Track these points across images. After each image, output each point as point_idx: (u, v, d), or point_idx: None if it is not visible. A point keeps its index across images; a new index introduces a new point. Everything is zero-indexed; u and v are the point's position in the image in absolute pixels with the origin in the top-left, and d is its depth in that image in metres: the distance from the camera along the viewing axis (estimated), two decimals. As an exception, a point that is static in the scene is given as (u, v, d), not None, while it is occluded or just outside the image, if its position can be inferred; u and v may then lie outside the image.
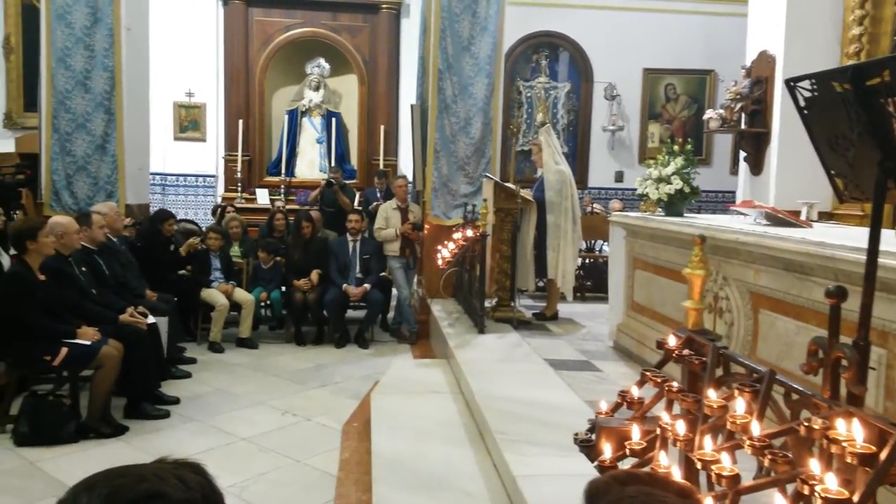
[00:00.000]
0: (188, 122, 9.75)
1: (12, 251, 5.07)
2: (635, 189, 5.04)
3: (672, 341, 2.15)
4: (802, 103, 1.79)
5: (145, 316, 4.77)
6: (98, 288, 4.79)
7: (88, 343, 4.18)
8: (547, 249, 5.83)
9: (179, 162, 9.59)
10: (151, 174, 8.27)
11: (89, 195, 6.38)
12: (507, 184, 5.70)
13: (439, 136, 6.49)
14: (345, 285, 6.28)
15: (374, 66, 9.62)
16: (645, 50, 9.92)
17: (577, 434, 2.10)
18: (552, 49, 10.15)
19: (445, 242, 5.83)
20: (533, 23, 9.72)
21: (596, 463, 1.93)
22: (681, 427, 1.81)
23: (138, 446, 4.07)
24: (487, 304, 5.52)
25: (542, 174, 6.03)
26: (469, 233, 5.54)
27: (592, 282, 7.51)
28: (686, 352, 2.10)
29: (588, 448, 2.02)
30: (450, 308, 6.07)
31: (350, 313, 6.57)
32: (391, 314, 6.91)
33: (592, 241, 8.02)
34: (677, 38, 9.91)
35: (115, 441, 4.13)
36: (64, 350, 4.10)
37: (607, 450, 1.95)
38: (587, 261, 7.69)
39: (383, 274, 6.60)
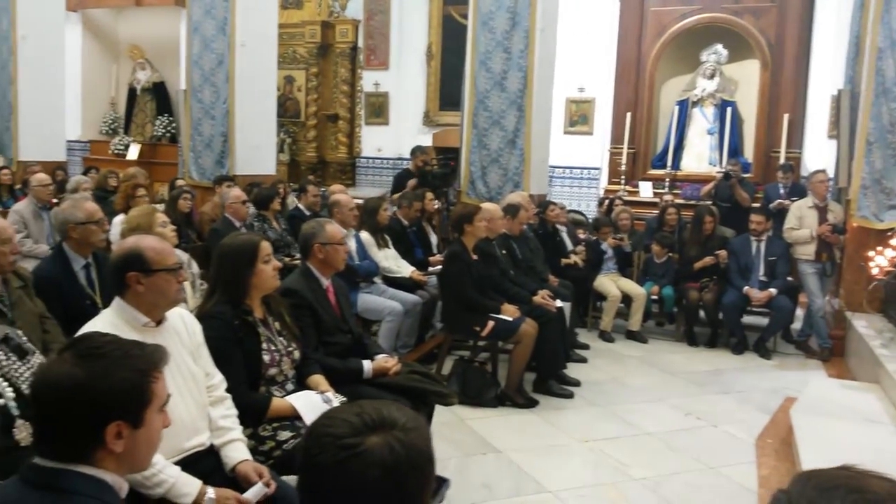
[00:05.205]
0: (577, 117, 10.12)
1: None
2: None
3: None
4: None
5: (553, 299, 5.05)
6: (514, 270, 5.23)
7: (510, 319, 4.57)
8: None
9: (566, 154, 9.99)
10: (546, 166, 8.76)
11: (499, 185, 6.98)
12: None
13: (874, 125, 5.55)
14: (746, 288, 5.80)
15: (781, 50, 8.72)
16: None
17: None
18: None
19: (879, 248, 4.99)
20: None
21: None
22: None
23: (550, 421, 4.32)
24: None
25: None
26: (920, 239, 4.64)
27: None
28: None
29: None
30: (878, 325, 5.19)
31: (746, 318, 6.07)
32: (796, 324, 6.20)
33: None
34: None
35: (528, 412, 4.45)
36: (491, 323, 4.55)
37: None
38: None
39: (790, 279, 5.95)
